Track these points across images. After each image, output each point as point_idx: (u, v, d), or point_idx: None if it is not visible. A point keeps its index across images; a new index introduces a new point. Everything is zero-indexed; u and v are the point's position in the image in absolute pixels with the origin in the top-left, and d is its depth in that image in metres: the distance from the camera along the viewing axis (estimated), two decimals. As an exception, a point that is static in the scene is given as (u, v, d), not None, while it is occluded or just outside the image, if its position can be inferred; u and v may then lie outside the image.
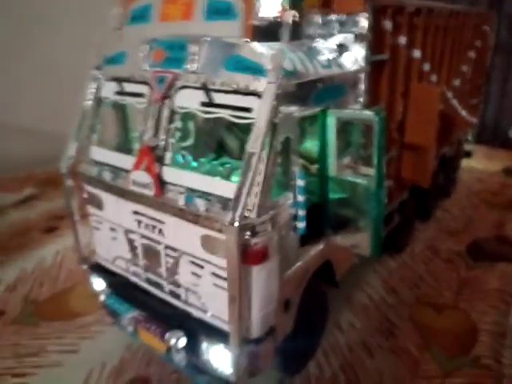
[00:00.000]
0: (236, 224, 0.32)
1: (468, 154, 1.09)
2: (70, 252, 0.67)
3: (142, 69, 0.41)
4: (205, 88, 0.37)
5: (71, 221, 0.47)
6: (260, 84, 0.34)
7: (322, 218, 0.43)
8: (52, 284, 0.62)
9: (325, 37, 0.44)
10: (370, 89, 0.47)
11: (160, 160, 0.39)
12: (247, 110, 0.34)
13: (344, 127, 0.41)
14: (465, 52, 0.82)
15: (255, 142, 0.33)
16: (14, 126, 0.99)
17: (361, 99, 0.46)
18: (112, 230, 0.45)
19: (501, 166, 1.17)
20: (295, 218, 0.38)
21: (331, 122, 0.40)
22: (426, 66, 0.63)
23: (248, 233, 0.33)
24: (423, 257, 0.74)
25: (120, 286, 0.46)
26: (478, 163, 1.17)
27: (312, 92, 0.38)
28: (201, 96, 0.37)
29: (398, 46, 0.54)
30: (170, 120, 0.39)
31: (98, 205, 0.45)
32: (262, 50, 0.35)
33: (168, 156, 0.39)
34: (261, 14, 0.35)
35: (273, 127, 0.33)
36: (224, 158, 0.52)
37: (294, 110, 0.36)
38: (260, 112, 0.33)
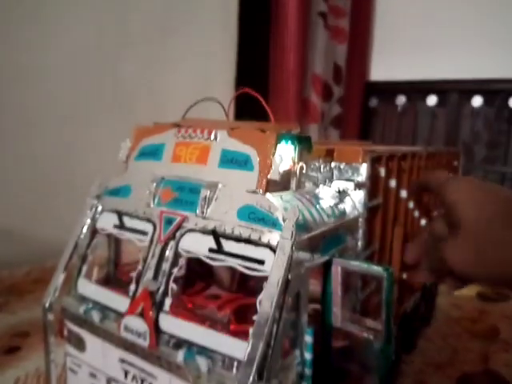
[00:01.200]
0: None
1: (443, 279, 1.11)
2: (33, 381, 0.59)
3: (147, 206, 0.41)
4: (214, 234, 0.36)
5: (47, 360, 0.42)
6: (274, 237, 0.33)
7: (325, 371, 0.40)
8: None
9: (326, 182, 0.46)
10: (367, 233, 0.48)
11: (158, 306, 0.36)
12: (259, 262, 0.34)
13: (349, 276, 0.41)
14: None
15: (268, 301, 0.31)
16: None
17: (359, 243, 0.46)
18: (92, 375, 0.40)
19: (474, 291, 1.19)
20: (301, 376, 0.35)
21: (336, 272, 0.40)
22: (411, 204, 0.66)
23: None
24: (412, 395, 0.70)
25: None
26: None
27: (320, 242, 0.38)
28: (209, 242, 0.36)
29: (388, 189, 0.57)
30: (173, 263, 0.37)
31: (79, 346, 0.41)
32: (276, 203, 0.35)
33: (167, 302, 0.37)
34: (278, 170, 0.36)
35: (286, 283, 0.32)
36: (213, 288, 0.50)
37: (306, 263, 0.35)
38: (274, 268, 0.32)
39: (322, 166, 0.46)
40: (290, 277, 0.33)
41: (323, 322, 0.40)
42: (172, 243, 0.38)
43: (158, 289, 0.37)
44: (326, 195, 0.44)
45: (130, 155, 0.46)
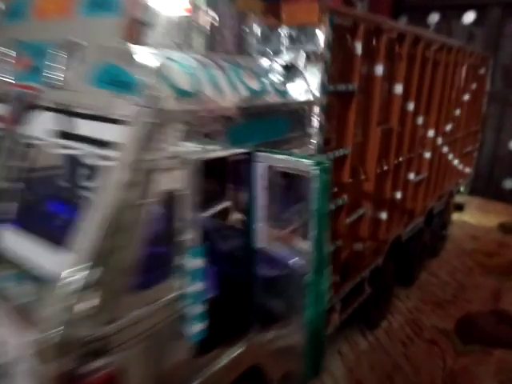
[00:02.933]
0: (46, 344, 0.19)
1: (460, 207, 0.98)
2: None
3: (5, 82, 0.30)
4: (62, 111, 0.25)
5: None
6: (130, 107, 0.22)
7: (245, 305, 0.30)
8: None
9: (268, 54, 0.33)
10: (329, 128, 0.36)
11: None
12: (107, 144, 0.22)
13: (281, 179, 0.29)
14: (458, 94, 0.72)
15: (108, 194, 0.20)
16: None
17: (313, 140, 0.34)
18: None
19: (496, 221, 1.05)
20: (184, 316, 0.25)
21: (260, 171, 0.28)
22: (410, 106, 0.52)
23: (79, 355, 0.20)
24: (402, 335, 0.60)
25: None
26: (472, 217, 1.05)
27: (228, 126, 0.26)
28: (58, 121, 0.25)
29: (372, 76, 0.43)
30: (13, 154, 0.26)
31: None
32: (143, 57, 0.23)
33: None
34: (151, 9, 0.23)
35: (145, 175, 0.21)
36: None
37: (188, 150, 0.23)
38: (123, 149, 0.21)
39: (261, 31, 0.33)
40: (152, 167, 0.21)
41: (246, 241, 0.29)
42: (19, 127, 0.27)
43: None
44: (263, 69, 0.31)
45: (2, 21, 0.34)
